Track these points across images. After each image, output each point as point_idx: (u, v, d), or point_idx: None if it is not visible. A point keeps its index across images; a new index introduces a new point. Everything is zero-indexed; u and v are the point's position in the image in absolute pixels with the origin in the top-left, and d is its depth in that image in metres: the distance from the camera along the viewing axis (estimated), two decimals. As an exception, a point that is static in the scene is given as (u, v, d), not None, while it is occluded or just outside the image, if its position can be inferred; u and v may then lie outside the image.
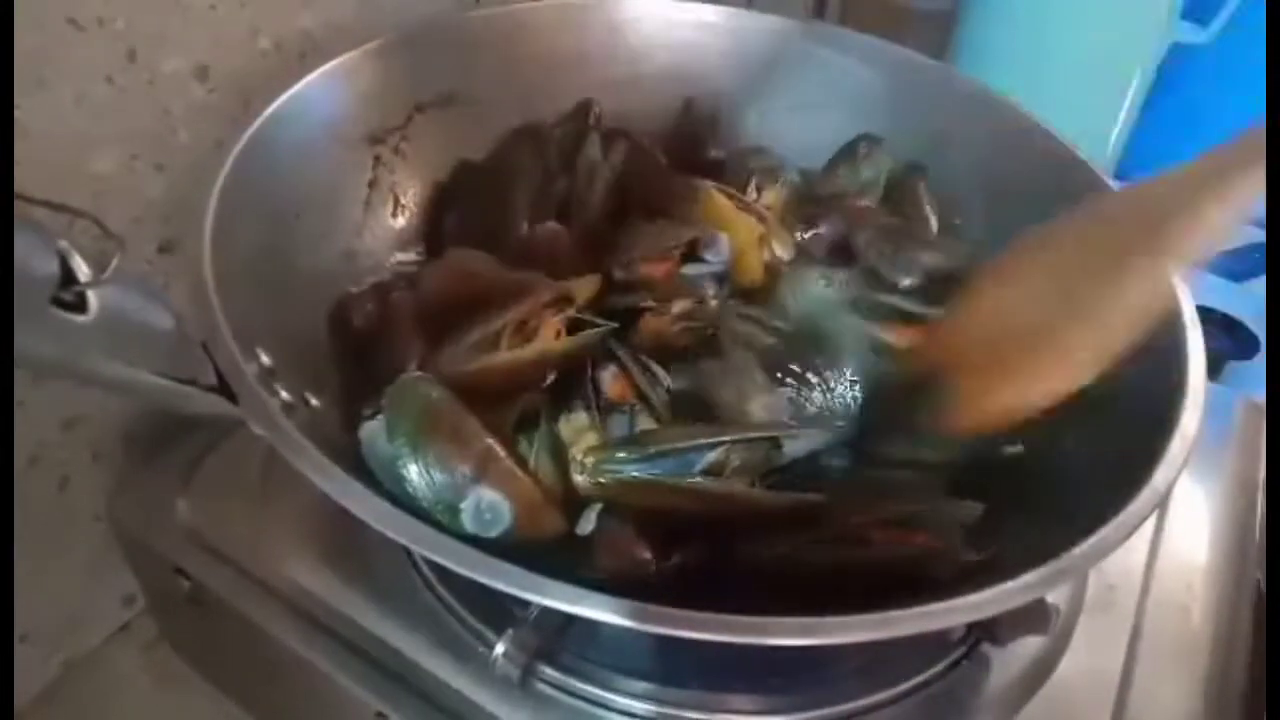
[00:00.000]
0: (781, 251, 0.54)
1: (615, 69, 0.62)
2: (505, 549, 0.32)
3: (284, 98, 0.47)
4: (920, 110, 0.60)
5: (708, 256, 0.52)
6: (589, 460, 0.41)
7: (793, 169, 0.61)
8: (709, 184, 0.56)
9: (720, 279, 0.52)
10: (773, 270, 0.54)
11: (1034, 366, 0.38)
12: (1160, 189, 0.36)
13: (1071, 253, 0.38)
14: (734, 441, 0.42)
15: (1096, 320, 0.35)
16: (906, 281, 0.53)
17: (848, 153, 0.61)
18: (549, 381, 0.46)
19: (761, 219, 0.55)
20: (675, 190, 0.56)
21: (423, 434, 0.39)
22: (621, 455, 0.41)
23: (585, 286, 0.48)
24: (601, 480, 0.40)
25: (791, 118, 0.63)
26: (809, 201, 0.60)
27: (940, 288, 0.51)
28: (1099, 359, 0.36)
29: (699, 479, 0.41)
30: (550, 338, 0.46)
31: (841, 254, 0.56)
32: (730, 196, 0.56)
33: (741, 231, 0.54)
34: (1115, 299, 0.35)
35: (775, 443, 0.43)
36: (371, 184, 0.53)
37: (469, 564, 0.31)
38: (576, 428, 0.44)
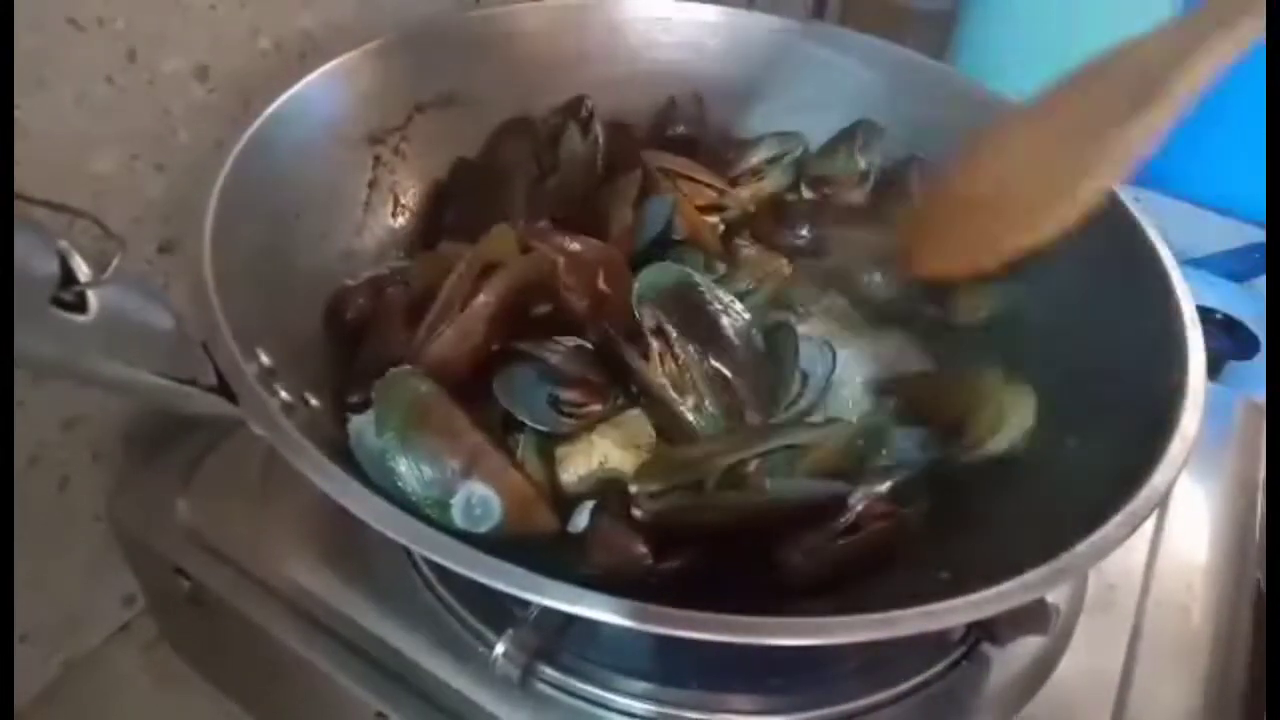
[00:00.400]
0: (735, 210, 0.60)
1: (615, 69, 0.62)
2: (496, 545, 0.31)
3: (284, 98, 0.47)
4: (920, 110, 0.60)
5: (647, 220, 0.54)
6: (645, 491, 0.40)
7: (801, 144, 0.62)
8: (658, 159, 0.58)
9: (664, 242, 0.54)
10: (736, 229, 0.58)
11: (1035, 219, 0.41)
12: (1150, 46, 0.40)
13: (1071, 114, 0.41)
14: (764, 453, 0.42)
15: (1101, 175, 0.39)
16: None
17: (846, 137, 0.61)
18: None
19: (713, 188, 0.59)
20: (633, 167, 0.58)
21: (411, 428, 0.38)
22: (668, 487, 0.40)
23: (494, 242, 0.48)
24: (655, 510, 0.40)
25: (791, 118, 0.63)
26: (797, 191, 0.61)
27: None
28: (1090, 205, 0.39)
29: (726, 491, 0.41)
30: (483, 302, 0.45)
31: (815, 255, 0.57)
32: (670, 172, 0.57)
33: (684, 201, 0.56)
34: (1120, 153, 0.37)
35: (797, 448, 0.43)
36: (371, 184, 0.53)
37: (469, 563, 0.31)
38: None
